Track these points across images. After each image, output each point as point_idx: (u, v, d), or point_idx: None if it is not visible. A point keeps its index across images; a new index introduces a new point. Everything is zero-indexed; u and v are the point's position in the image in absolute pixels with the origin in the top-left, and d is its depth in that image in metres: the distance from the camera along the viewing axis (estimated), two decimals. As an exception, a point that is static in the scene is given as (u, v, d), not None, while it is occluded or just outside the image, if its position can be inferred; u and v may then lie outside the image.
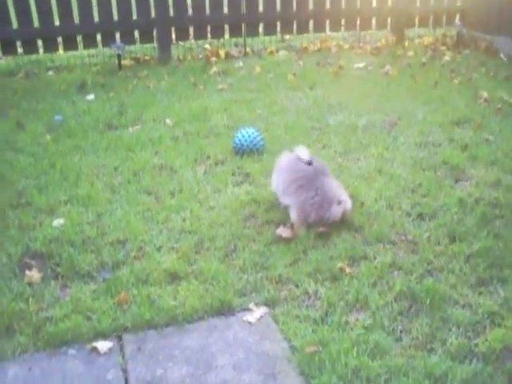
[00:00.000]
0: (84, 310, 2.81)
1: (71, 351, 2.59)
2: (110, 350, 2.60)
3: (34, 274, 3.03)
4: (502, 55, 7.42)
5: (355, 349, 2.54)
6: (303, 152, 3.65)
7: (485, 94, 5.77)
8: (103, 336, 2.67)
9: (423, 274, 3.05)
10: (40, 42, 7.07)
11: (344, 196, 3.50)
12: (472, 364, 2.47)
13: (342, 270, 3.07)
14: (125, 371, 2.49)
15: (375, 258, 3.19)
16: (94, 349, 2.59)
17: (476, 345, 2.58)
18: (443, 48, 7.99)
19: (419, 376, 2.41)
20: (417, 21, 8.41)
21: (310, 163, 3.56)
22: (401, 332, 2.67)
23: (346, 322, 2.72)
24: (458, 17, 8.44)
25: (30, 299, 2.87)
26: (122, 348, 2.61)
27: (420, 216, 3.61)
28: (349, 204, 3.50)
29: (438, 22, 8.49)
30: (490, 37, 7.85)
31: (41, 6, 6.79)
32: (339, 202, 3.46)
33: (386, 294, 2.91)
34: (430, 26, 8.53)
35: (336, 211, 3.46)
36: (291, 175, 3.59)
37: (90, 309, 2.81)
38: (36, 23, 6.89)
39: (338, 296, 2.89)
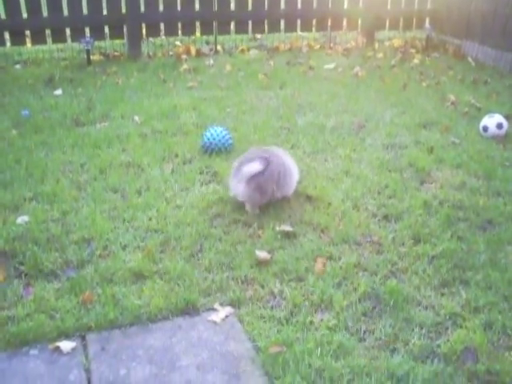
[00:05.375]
0: (47, 309, 2.77)
1: (33, 351, 2.55)
2: (74, 349, 2.56)
3: (-4, 273, 2.99)
4: (469, 59, 7.55)
5: (319, 349, 2.55)
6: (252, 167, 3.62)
7: (452, 98, 5.86)
8: (66, 336, 2.64)
9: (387, 275, 3.08)
10: (7, 35, 6.95)
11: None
12: (433, 364, 2.51)
13: (307, 270, 3.09)
14: (88, 371, 2.46)
15: (340, 259, 3.21)
16: (57, 349, 2.56)
17: (438, 345, 2.62)
18: (413, 51, 8.09)
19: (382, 376, 2.43)
20: (387, 23, 8.50)
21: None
22: (364, 332, 2.69)
23: (311, 323, 2.73)
24: (427, 20, 8.55)
25: (-8, 298, 2.83)
26: (85, 348, 2.58)
27: (385, 217, 3.65)
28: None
29: (408, 25, 8.60)
30: (459, 41, 7.96)
31: (8, -2, 6.69)
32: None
33: (350, 294, 2.93)
34: (400, 29, 8.62)
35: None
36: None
37: (54, 308, 2.78)
38: (3, 15, 6.78)
39: (302, 296, 2.90)
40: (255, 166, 3.55)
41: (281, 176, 3.65)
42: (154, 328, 2.71)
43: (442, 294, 2.96)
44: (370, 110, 5.54)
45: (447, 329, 2.73)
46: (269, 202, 3.67)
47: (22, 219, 3.49)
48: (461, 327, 2.73)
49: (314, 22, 8.17)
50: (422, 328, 2.72)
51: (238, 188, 3.61)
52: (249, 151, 3.79)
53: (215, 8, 7.59)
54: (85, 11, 7.10)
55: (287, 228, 3.44)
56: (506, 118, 5.04)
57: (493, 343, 2.63)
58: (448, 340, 2.64)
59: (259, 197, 3.60)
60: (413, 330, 2.71)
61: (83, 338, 2.64)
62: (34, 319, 2.69)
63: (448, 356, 2.55)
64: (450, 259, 3.21)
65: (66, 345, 2.57)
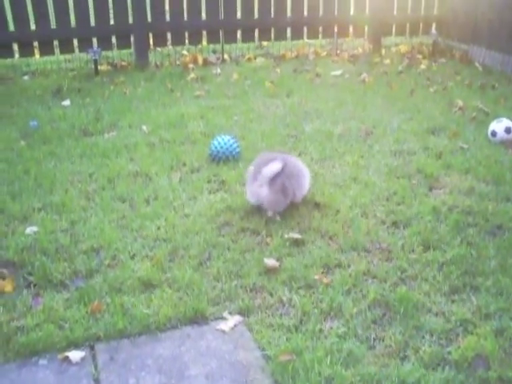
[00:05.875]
0: (56, 319, 2.77)
1: (42, 361, 2.55)
2: (83, 359, 2.56)
3: (5, 284, 2.99)
4: (476, 64, 7.52)
5: (329, 357, 2.53)
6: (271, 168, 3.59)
7: (460, 103, 5.83)
8: (75, 345, 2.63)
9: (397, 282, 3.07)
10: (16, 47, 7.01)
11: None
12: (445, 372, 2.49)
13: (316, 278, 3.08)
14: (97, 381, 2.46)
15: (349, 266, 3.19)
16: (66, 359, 2.55)
17: (449, 352, 2.59)
18: (419, 56, 8.07)
19: (392, 384, 2.42)
20: (394, 29, 8.50)
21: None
22: (374, 340, 2.67)
23: (320, 331, 2.72)
24: (434, 26, 8.53)
25: (1, 309, 2.83)
26: (94, 357, 2.58)
27: (394, 224, 3.63)
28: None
29: (414, 31, 8.59)
30: (465, 46, 7.95)
31: (16, 10, 6.74)
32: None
33: (360, 302, 2.91)
34: (406, 35, 8.62)
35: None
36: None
37: (63, 318, 2.78)
38: (11, 27, 6.83)
39: (312, 304, 2.89)
40: (275, 166, 3.55)
41: (296, 176, 3.68)
42: (163, 337, 2.70)
43: (453, 301, 2.93)
44: (378, 117, 5.53)
45: (458, 336, 2.70)
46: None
47: (31, 229, 3.50)
48: (472, 334, 2.70)
49: (321, 29, 8.17)
50: (432, 335, 2.70)
51: (260, 192, 3.58)
52: (259, 156, 3.80)
53: (222, 17, 7.62)
54: (92, 22, 7.15)
55: (295, 235, 3.44)
56: (515, 122, 5.01)
57: (504, 350, 2.60)
58: (459, 347, 2.61)
59: (283, 198, 3.60)
60: (423, 337, 2.69)
61: (92, 347, 2.63)
62: (43, 329, 2.69)
63: (459, 363, 2.53)
64: (459, 265, 3.19)
65: (75, 355, 2.57)
